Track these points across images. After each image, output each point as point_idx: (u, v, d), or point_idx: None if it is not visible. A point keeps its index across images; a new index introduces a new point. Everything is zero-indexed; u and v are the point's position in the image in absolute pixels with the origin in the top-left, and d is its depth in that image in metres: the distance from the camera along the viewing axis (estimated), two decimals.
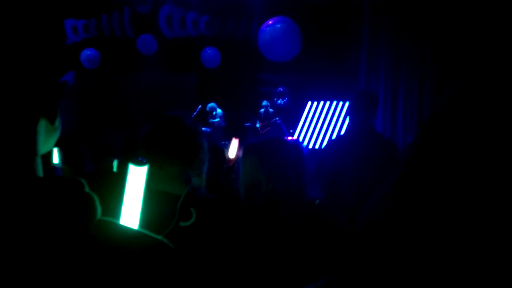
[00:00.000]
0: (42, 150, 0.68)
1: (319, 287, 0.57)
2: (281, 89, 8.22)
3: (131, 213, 0.90)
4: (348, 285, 0.54)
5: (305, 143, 7.28)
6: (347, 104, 7.26)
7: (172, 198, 1.16)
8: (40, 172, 0.67)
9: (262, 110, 8.01)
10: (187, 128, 1.23)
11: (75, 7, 7.85)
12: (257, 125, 7.98)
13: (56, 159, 3.06)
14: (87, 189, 0.62)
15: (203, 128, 8.05)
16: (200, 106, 8.11)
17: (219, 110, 8.29)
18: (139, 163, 0.90)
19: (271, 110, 7.99)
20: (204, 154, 1.25)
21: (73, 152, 2.68)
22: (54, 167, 3.06)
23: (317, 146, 7.21)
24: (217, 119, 8.20)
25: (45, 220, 0.55)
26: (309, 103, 7.65)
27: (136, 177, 0.88)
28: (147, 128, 1.23)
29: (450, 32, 5.12)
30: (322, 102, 7.54)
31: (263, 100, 8.10)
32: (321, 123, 7.44)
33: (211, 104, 8.25)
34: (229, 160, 2.86)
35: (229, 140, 3.02)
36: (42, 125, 0.66)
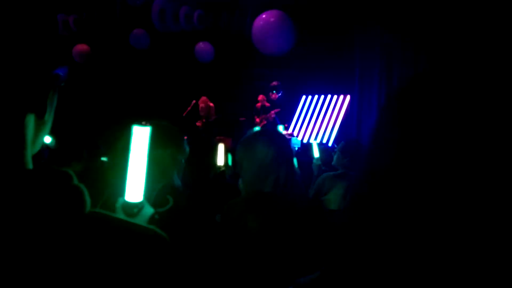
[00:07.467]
0: (32, 145, 0.67)
1: (312, 281, 0.57)
2: (275, 83, 8.19)
3: (137, 176, 0.94)
4: (340, 278, 0.54)
5: (300, 137, 7.29)
6: (341, 97, 7.27)
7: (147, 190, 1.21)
8: (30, 165, 0.66)
9: (259, 104, 7.97)
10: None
11: (66, 1, 7.76)
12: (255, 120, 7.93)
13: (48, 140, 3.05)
14: (75, 181, 0.61)
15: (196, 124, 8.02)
16: (194, 101, 8.05)
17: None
18: (142, 124, 0.96)
19: (267, 104, 7.96)
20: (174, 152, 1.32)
21: (65, 148, 2.64)
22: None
23: (311, 141, 7.21)
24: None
25: (33, 212, 0.54)
26: (304, 97, 7.64)
27: (140, 138, 0.94)
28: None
29: (442, 26, 5.13)
30: (316, 96, 7.54)
31: (259, 95, 8.06)
32: (315, 117, 7.44)
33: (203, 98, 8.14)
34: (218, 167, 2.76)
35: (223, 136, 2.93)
36: (31, 119, 0.65)
